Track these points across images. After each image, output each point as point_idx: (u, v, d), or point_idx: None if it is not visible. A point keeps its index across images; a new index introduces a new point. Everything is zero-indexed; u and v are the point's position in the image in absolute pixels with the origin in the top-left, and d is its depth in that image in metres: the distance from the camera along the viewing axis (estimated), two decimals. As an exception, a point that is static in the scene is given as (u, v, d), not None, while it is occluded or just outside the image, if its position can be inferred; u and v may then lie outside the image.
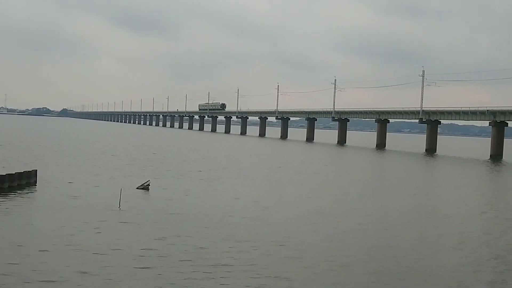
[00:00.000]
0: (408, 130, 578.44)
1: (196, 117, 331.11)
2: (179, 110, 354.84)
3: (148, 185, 47.53)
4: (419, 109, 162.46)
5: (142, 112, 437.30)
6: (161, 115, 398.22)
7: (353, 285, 22.62)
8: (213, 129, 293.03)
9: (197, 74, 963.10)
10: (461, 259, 27.85)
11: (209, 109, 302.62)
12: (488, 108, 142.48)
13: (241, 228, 32.64)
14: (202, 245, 27.91)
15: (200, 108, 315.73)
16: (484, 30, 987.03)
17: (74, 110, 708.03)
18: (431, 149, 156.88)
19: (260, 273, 23.25)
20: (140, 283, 21.37)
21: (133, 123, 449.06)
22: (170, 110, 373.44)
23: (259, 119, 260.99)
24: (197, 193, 46.62)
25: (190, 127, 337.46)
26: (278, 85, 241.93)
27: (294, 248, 28.29)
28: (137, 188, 47.11)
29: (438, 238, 33.19)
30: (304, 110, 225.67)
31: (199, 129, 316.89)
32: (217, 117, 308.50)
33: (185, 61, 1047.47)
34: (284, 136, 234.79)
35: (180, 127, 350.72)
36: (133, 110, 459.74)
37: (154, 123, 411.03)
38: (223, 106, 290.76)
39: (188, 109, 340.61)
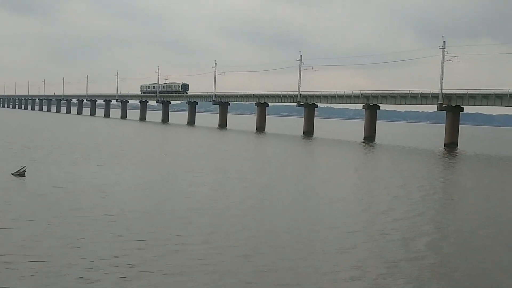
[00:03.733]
0: (287, 113, 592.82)
1: (74, 100, 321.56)
2: (56, 94, 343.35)
3: (24, 171, 46.12)
4: (297, 92, 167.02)
5: (17, 96, 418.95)
6: (37, 99, 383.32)
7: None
8: (170, 119, 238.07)
9: (76, 57, 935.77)
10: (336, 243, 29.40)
11: (162, 92, 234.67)
12: (361, 92, 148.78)
13: (115, 221, 31.19)
14: (69, 237, 26.51)
15: (144, 90, 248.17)
16: (363, 17, 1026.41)
17: None
18: (308, 132, 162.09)
19: (126, 266, 23.04)
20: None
21: (7, 107, 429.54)
22: (46, 93, 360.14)
23: (139, 103, 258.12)
24: (74, 180, 45.61)
25: (68, 111, 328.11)
26: (158, 69, 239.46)
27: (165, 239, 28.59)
28: (12, 174, 45.60)
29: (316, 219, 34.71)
30: (185, 93, 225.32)
31: (77, 113, 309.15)
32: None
33: (63, 43, 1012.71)
34: (165, 120, 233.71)
35: (58, 111, 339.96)
36: (7, 94, 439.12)
37: (29, 107, 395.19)
38: (185, 87, 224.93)
39: (66, 93, 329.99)
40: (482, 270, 23.82)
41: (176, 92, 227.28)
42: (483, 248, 27.76)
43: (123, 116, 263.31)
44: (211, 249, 24.98)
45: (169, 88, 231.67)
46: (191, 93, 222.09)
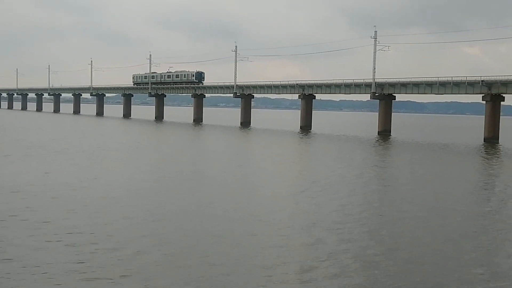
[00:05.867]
0: (224, 104, 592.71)
1: (4, 95, 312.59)
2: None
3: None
4: (234, 83, 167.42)
5: None
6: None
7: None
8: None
9: (5, 49, 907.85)
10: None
11: (166, 83, 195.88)
12: (297, 82, 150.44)
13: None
14: None
15: (137, 81, 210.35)
16: (299, 6, 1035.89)
17: None
18: (245, 122, 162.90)
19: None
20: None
21: None
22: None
23: (73, 96, 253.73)
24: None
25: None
26: (91, 61, 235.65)
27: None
28: None
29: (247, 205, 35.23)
30: (120, 86, 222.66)
31: (8, 108, 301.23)
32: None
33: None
34: (100, 113, 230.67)
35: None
36: None
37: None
38: (200, 76, 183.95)
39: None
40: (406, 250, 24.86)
41: (187, 82, 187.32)
42: (411, 230, 28.89)
43: (56, 110, 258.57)
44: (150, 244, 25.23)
45: (176, 77, 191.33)
46: (124, 85, 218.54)
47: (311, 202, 36.60)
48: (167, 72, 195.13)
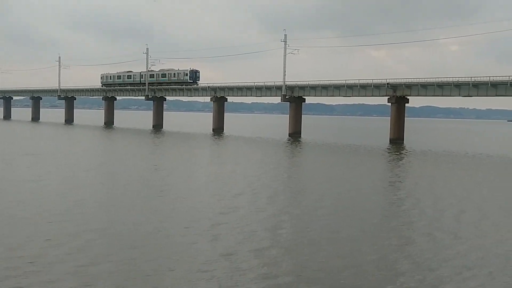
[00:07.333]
0: (135, 107, 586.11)
1: None
2: None
3: None
4: (145, 86, 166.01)
5: None
6: None
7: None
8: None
9: None
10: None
11: (150, 83, 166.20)
12: (209, 85, 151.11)
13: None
14: None
15: (107, 81, 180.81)
16: (215, 10, 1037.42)
17: None
18: (158, 125, 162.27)
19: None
20: None
21: None
22: None
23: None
24: None
25: None
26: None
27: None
28: None
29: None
30: (28, 88, 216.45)
31: None
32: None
33: None
34: (7, 116, 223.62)
35: None
36: None
37: None
38: (195, 75, 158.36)
39: None
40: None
41: (177, 83, 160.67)
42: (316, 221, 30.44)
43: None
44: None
45: (163, 77, 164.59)
46: (32, 88, 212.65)
47: (227, 204, 37.58)
48: (150, 70, 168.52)
